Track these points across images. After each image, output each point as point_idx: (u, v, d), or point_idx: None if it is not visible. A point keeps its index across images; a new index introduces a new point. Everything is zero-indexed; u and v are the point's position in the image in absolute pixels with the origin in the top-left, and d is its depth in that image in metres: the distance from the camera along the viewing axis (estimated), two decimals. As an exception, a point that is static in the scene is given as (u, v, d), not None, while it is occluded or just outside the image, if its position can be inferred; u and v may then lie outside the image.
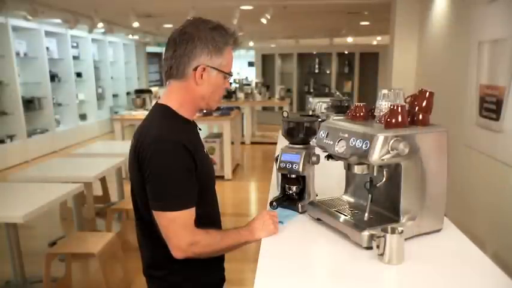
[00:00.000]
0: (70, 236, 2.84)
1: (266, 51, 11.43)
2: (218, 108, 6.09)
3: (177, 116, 1.28)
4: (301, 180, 1.57)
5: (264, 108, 10.39)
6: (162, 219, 1.20)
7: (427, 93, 1.32)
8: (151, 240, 1.30)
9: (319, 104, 3.07)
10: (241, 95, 7.90)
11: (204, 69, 1.24)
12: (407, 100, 1.35)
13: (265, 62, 11.21)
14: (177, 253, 1.21)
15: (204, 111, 5.68)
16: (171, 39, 1.26)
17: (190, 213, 1.21)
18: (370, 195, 1.33)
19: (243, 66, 17.45)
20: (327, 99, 3.05)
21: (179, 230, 1.19)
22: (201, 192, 1.27)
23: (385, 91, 1.39)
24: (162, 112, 1.28)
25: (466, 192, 2.97)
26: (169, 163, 1.18)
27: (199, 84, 1.25)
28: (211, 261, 1.34)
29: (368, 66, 10.24)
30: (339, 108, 2.75)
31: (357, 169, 1.32)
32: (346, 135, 1.31)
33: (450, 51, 3.54)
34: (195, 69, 1.23)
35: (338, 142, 1.34)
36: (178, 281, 1.32)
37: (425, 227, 1.34)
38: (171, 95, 1.29)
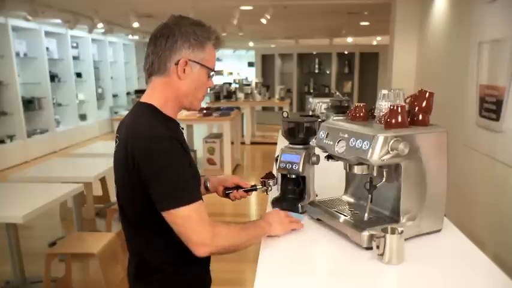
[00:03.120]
0: (70, 236, 2.84)
1: (266, 51, 11.43)
2: (218, 109, 6.10)
3: (162, 114, 1.24)
4: (301, 181, 1.57)
5: (264, 109, 10.40)
6: (177, 218, 1.13)
7: (427, 94, 1.32)
8: (139, 244, 1.28)
9: (319, 104, 3.07)
10: (241, 95, 7.91)
11: (186, 63, 1.20)
12: (407, 100, 1.35)
13: (265, 62, 11.22)
14: (201, 249, 1.14)
15: (205, 111, 5.71)
16: (152, 36, 1.23)
17: (202, 206, 1.16)
18: (370, 196, 1.33)
19: (243, 67, 17.47)
20: (327, 100, 3.05)
21: (197, 225, 1.13)
22: None
23: (385, 91, 1.39)
24: (147, 111, 1.23)
25: (466, 192, 2.97)
26: (171, 159, 1.14)
27: (182, 79, 1.21)
28: (201, 263, 1.31)
29: (368, 67, 10.24)
30: (339, 109, 2.75)
31: (357, 169, 1.32)
32: (346, 136, 1.31)
33: (450, 51, 3.54)
34: (177, 63, 1.20)
35: (338, 142, 1.34)
36: (164, 286, 1.28)
37: (425, 227, 1.34)
38: (154, 93, 1.25)
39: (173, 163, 1.14)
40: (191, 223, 1.13)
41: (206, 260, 1.37)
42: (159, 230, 1.19)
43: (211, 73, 1.28)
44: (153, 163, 1.13)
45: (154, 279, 1.27)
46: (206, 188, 1.55)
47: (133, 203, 1.23)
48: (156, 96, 1.24)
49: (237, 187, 1.54)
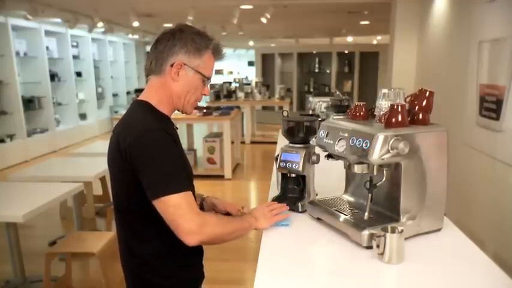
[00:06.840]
0: (70, 235, 2.84)
1: (266, 51, 11.42)
2: (218, 108, 6.10)
3: (157, 111, 1.30)
4: (301, 180, 1.57)
5: (264, 108, 10.40)
6: (167, 207, 1.15)
7: (427, 93, 1.32)
8: (132, 235, 1.32)
9: (319, 104, 3.07)
10: (241, 95, 7.90)
11: (180, 66, 1.27)
12: (408, 99, 1.35)
13: (265, 62, 11.21)
14: (191, 238, 1.14)
15: (205, 111, 5.71)
16: (156, 39, 1.31)
17: (191, 196, 1.20)
18: (370, 195, 1.33)
19: (243, 66, 17.46)
20: (327, 99, 3.05)
21: (187, 213, 1.15)
22: None
23: (385, 90, 1.39)
24: (142, 107, 1.30)
25: (466, 191, 2.97)
26: (160, 149, 1.19)
27: (175, 81, 1.28)
28: (191, 257, 1.36)
29: (368, 66, 10.23)
30: (339, 108, 2.75)
31: (357, 168, 1.32)
32: (346, 135, 1.31)
33: (450, 51, 3.54)
34: (172, 65, 1.27)
35: (338, 141, 1.34)
36: (155, 278, 1.31)
37: (425, 227, 1.34)
38: (150, 91, 1.31)
39: (163, 153, 1.19)
40: (181, 211, 1.15)
41: (195, 256, 1.39)
42: (147, 222, 1.24)
43: (206, 81, 1.33)
44: (143, 153, 1.18)
45: (140, 271, 1.31)
46: (202, 207, 1.56)
47: (124, 194, 1.29)
48: (152, 94, 1.31)
49: (227, 214, 1.54)
